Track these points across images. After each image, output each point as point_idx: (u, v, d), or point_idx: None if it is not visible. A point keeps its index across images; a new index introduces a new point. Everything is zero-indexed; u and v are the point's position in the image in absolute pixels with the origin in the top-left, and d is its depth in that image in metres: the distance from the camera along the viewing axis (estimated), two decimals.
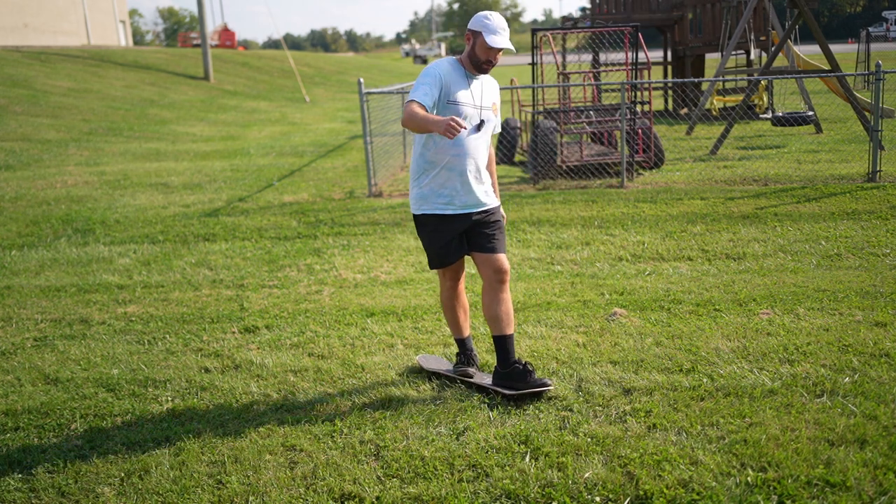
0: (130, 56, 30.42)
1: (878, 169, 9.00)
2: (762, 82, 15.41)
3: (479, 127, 3.88)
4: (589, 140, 12.16)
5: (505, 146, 12.05)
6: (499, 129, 4.13)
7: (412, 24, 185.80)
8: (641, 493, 3.06)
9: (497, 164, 11.68)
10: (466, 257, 4.10)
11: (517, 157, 12.30)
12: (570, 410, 3.78)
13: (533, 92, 11.58)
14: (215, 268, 6.85)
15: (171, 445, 3.66)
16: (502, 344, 3.99)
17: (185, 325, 5.38)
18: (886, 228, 7.02)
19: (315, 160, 13.29)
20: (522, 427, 3.63)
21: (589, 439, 3.48)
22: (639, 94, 11.33)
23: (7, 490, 3.37)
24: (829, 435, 3.39)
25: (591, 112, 10.93)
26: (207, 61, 28.66)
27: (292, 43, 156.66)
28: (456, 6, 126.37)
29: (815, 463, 3.18)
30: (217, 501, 3.21)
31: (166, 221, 8.70)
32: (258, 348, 4.88)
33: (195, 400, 4.16)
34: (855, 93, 12.25)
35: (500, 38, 3.75)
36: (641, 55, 10.56)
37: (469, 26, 3.85)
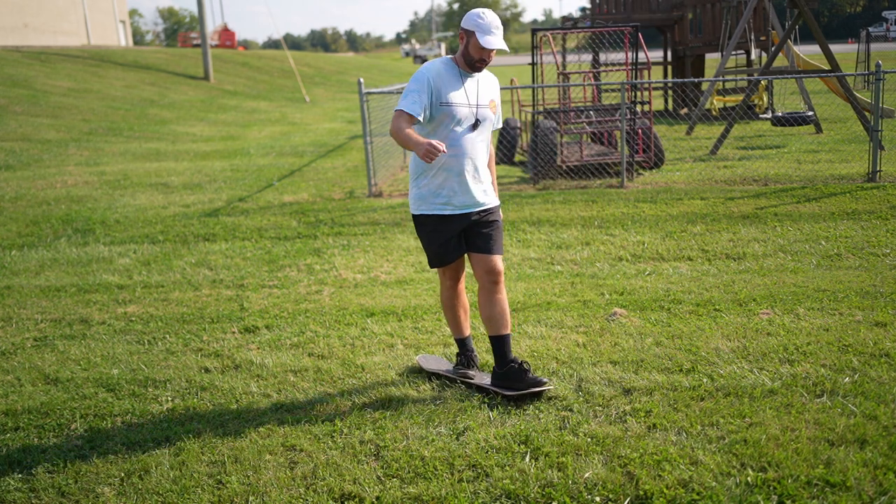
0: (130, 56, 30.42)
1: (878, 169, 9.00)
2: (762, 82, 15.41)
3: (474, 127, 3.86)
4: (589, 140, 12.16)
5: (505, 146, 12.05)
6: (499, 126, 4.11)
7: (412, 24, 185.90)
8: (641, 493, 3.06)
9: (497, 163, 11.69)
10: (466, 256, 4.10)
11: (517, 157, 12.30)
12: (570, 410, 3.78)
13: (533, 92, 11.59)
14: (215, 268, 6.85)
15: (171, 445, 3.66)
16: (498, 344, 3.99)
17: (185, 325, 5.38)
18: (886, 228, 7.02)
19: (315, 160, 13.29)
20: (522, 427, 3.63)
21: (589, 439, 3.48)
22: (639, 94, 11.33)
23: (7, 490, 3.37)
24: (829, 435, 3.39)
25: (591, 112, 10.93)
26: (207, 61, 28.66)
27: (292, 43, 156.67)
28: (456, 6, 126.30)
29: (815, 463, 3.18)
30: (217, 501, 3.21)
31: (166, 221, 8.71)
32: (258, 348, 4.88)
33: (195, 400, 4.16)
34: (855, 93, 12.25)
35: (494, 38, 3.72)
36: (641, 55, 10.56)
37: (462, 24, 3.81)
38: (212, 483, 3.34)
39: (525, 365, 3.93)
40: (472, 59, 3.79)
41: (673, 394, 3.88)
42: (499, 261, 3.96)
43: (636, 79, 10.68)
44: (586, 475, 3.20)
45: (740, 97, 15.51)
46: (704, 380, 4.02)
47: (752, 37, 15.30)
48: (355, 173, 11.60)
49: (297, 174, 11.77)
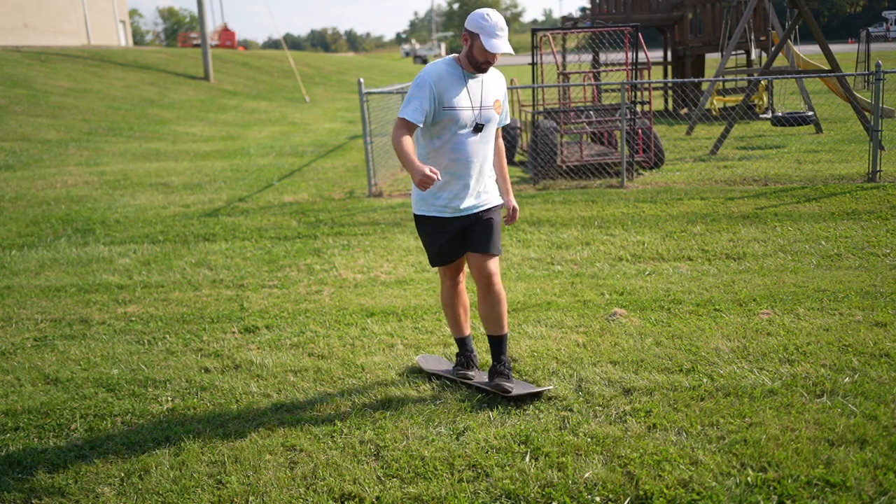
0: (130, 56, 30.42)
1: (878, 169, 9.00)
2: (762, 82, 15.41)
3: (478, 129, 3.80)
4: (589, 140, 12.16)
5: (505, 146, 12.02)
6: (507, 121, 4.06)
7: (412, 24, 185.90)
8: (641, 493, 3.06)
9: None
10: None
11: (517, 157, 12.30)
12: (570, 410, 3.78)
13: (533, 92, 11.59)
14: (215, 268, 6.85)
15: (171, 445, 3.66)
16: (492, 343, 4.03)
17: (185, 325, 5.38)
18: (886, 228, 7.02)
19: (315, 160, 13.29)
20: (522, 427, 3.63)
21: (589, 439, 3.48)
22: (639, 94, 11.33)
23: (7, 490, 3.37)
24: (829, 435, 3.39)
25: (591, 112, 10.93)
26: (207, 61, 28.66)
27: (292, 43, 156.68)
28: (456, 6, 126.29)
29: (815, 463, 3.18)
30: (217, 501, 3.21)
31: (166, 221, 8.71)
32: (258, 348, 4.88)
33: (195, 400, 4.15)
34: (855, 93, 12.25)
35: (499, 41, 3.63)
36: (641, 55, 10.56)
37: (466, 25, 3.72)
38: (212, 483, 3.34)
39: (504, 368, 3.93)
40: (476, 62, 3.71)
41: (673, 394, 3.88)
42: (492, 260, 3.93)
43: (636, 79, 10.68)
44: (586, 475, 3.20)
45: (740, 97, 15.51)
46: (704, 380, 4.02)
47: (752, 37, 15.30)
48: (355, 173, 11.60)
49: (297, 174, 11.77)
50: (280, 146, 15.41)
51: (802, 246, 6.60)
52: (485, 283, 3.93)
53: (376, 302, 5.68)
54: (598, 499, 3.05)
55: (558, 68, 11.21)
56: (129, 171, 12.31)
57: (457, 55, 3.85)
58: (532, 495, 3.10)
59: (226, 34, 51.90)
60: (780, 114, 12.18)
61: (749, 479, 3.10)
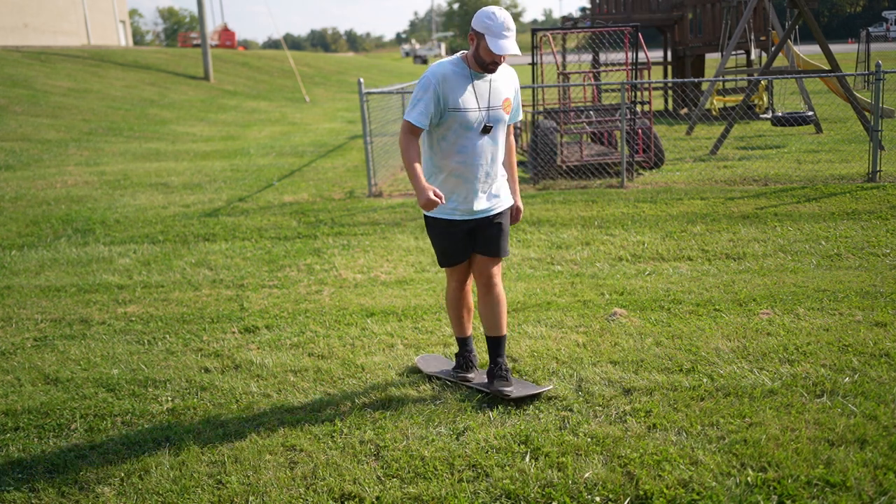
0: (130, 56, 30.42)
1: (878, 169, 9.00)
2: (762, 82, 15.41)
3: (486, 130, 3.72)
4: (589, 140, 12.16)
5: None
6: (520, 117, 4.00)
7: (412, 24, 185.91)
8: (641, 493, 3.06)
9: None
10: None
11: (517, 157, 12.30)
12: (570, 410, 3.78)
13: (533, 92, 11.59)
14: (215, 268, 6.85)
15: (171, 445, 3.66)
16: (489, 344, 4.03)
17: (185, 325, 5.38)
18: (886, 228, 7.02)
19: (315, 160, 13.29)
20: (522, 427, 3.63)
21: (589, 439, 3.48)
22: (639, 94, 11.33)
23: (7, 490, 3.37)
24: (829, 435, 3.39)
25: (591, 112, 10.93)
26: (207, 61, 28.66)
27: (292, 43, 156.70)
28: (456, 6, 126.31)
29: (815, 463, 3.18)
30: (217, 501, 3.21)
31: (166, 221, 8.71)
32: (258, 348, 4.88)
33: (195, 400, 4.15)
34: (855, 93, 12.25)
35: (506, 42, 3.53)
36: (641, 55, 10.56)
37: (472, 24, 3.63)
38: (212, 483, 3.34)
39: (500, 371, 3.93)
40: (483, 62, 3.62)
41: (673, 394, 3.88)
42: (494, 264, 3.92)
43: (636, 79, 10.68)
44: (586, 475, 3.20)
45: (740, 97, 15.51)
46: (704, 380, 4.02)
47: (752, 37, 15.30)
48: (355, 173, 11.60)
49: (297, 174, 11.77)
50: (280, 146, 15.41)
51: (802, 246, 6.60)
52: (486, 285, 3.93)
53: (376, 302, 5.68)
54: (598, 499, 3.05)
55: (558, 68, 11.21)
56: (129, 171, 12.31)
57: (465, 53, 3.75)
58: (532, 495, 3.10)
59: (226, 34, 51.91)
60: (780, 114, 12.18)
61: (749, 479, 3.10)
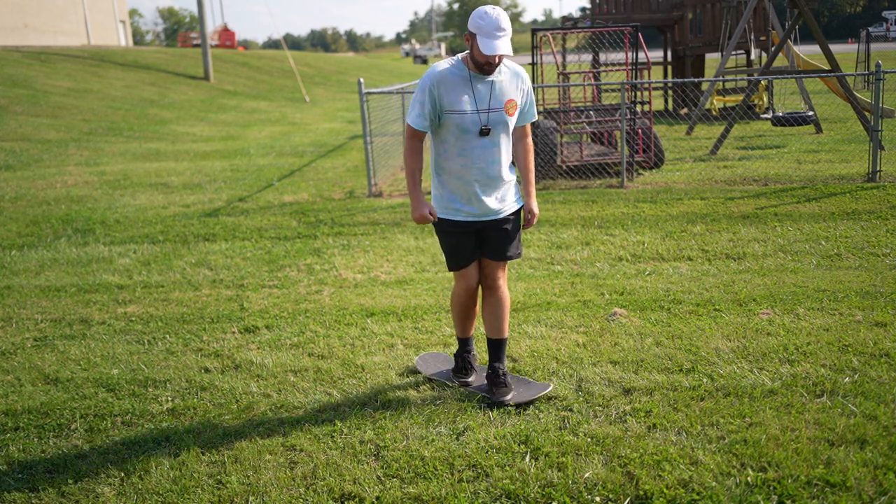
0: (130, 56, 30.42)
1: (878, 169, 9.00)
2: (762, 82, 15.41)
3: (485, 133, 3.68)
4: (589, 140, 12.16)
5: None
6: (533, 117, 3.92)
7: (412, 24, 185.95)
8: (641, 493, 3.06)
9: None
10: None
11: None
12: (570, 410, 3.78)
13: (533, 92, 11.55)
14: (215, 268, 6.85)
15: (171, 445, 3.66)
16: (490, 347, 4.04)
17: (185, 325, 5.38)
18: (886, 228, 7.02)
19: (315, 160, 13.29)
20: (522, 427, 3.63)
21: (589, 439, 3.48)
22: (639, 94, 11.33)
23: (7, 490, 3.37)
24: (829, 435, 3.39)
25: (591, 112, 10.93)
26: (207, 61, 28.66)
27: (292, 43, 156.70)
28: (456, 6, 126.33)
29: (815, 463, 3.18)
30: (217, 501, 3.21)
31: (166, 221, 8.71)
32: (258, 348, 4.88)
33: (195, 400, 4.15)
34: (855, 93, 12.24)
35: (498, 42, 3.47)
36: (641, 55, 10.56)
37: (468, 25, 3.60)
38: (212, 483, 3.34)
39: (498, 375, 3.93)
40: (478, 63, 3.59)
41: (673, 394, 3.88)
42: (499, 267, 3.91)
43: (636, 79, 10.68)
44: (586, 475, 3.20)
45: (740, 97, 15.51)
46: (704, 380, 4.02)
47: (752, 37, 15.30)
48: (355, 173, 11.60)
49: (297, 174, 11.77)
50: (280, 146, 15.41)
51: (802, 246, 6.60)
52: (490, 287, 3.93)
53: (376, 302, 5.68)
54: (598, 499, 3.05)
55: (558, 68, 11.21)
56: (129, 171, 12.31)
57: (465, 54, 3.71)
58: (532, 495, 3.10)
59: (226, 34, 51.91)
60: (780, 114, 12.18)
61: (749, 479, 3.10)
